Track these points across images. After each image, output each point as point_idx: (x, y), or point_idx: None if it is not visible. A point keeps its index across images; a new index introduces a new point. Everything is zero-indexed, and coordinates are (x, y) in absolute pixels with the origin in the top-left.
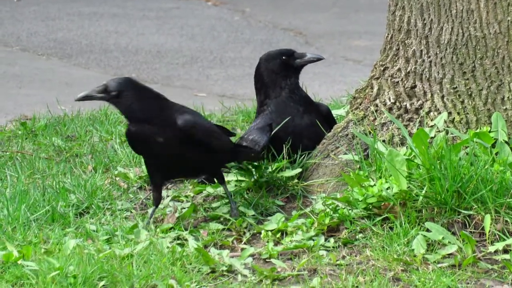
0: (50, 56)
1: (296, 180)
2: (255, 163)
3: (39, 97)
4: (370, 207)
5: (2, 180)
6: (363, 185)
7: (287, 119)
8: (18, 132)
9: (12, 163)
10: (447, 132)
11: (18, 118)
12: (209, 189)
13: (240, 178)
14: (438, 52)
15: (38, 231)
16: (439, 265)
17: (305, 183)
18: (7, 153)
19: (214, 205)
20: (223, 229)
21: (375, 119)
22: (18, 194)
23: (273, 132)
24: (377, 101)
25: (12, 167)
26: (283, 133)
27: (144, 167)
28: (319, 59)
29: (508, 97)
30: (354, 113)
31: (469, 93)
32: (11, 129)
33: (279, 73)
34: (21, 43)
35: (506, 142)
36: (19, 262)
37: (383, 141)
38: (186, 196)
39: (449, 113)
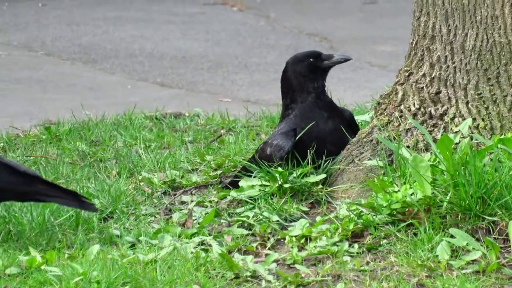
0: (75, 61)
1: (320, 186)
2: (279, 168)
3: (64, 101)
4: (394, 213)
5: None
6: (388, 190)
7: (311, 124)
8: (42, 137)
9: (36, 168)
10: (471, 138)
11: (42, 122)
12: (233, 194)
13: (264, 183)
14: (462, 58)
15: (62, 236)
16: (463, 271)
17: (330, 189)
18: (31, 157)
19: (238, 210)
20: (247, 235)
21: (399, 124)
22: None
23: (297, 137)
24: (402, 107)
25: (37, 171)
26: (307, 138)
27: (168, 172)
28: (347, 60)
29: None
30: (378, 118)
31: (494, 99)
32: (35, 133)
33: (306, 75)
34: (46, 47)
35: None
36: (42, 267)
37: (408, 146)
38: (210, 202)
39: (474, 119)
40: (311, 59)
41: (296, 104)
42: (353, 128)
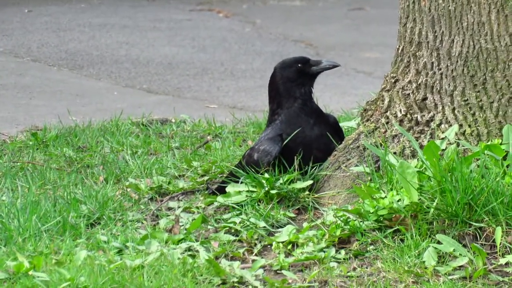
0: (61, 67)
1: (307, 192)
2: (266, 175)
3: (50, 108)
4: (381, 219)
5: (13, 190)
6: (374, 197)
7: (297, 130)
8: (29, 143)
9: (23, 174)
10: (458, 145)
11: (29, 128)
12: (220, 200)
13: (251, 189)
14: (449, 64)
15: (49, 242)
16: (450, 277)
17: (316, 195)
18: (18, 163)
19: (225, 216)
20: (234, 241)
21: (386, 131)
22: (29, 204)
23: (284, 143)
24: (388, 113)
25: (23, 177)
26: (293, 144)
27: (155, 178)
28: (335, 66)
29: None
30: (365, 125)
31: (480, 105)
32: (22, 139)
33: (294, 81)
34: (32, 53)
35: None
36: (30, 273)
37: (394, 153)
38: (197, 208)
39: (460, 126)
40: (299, 65)
41: (282, 110)
42: (339, 134)
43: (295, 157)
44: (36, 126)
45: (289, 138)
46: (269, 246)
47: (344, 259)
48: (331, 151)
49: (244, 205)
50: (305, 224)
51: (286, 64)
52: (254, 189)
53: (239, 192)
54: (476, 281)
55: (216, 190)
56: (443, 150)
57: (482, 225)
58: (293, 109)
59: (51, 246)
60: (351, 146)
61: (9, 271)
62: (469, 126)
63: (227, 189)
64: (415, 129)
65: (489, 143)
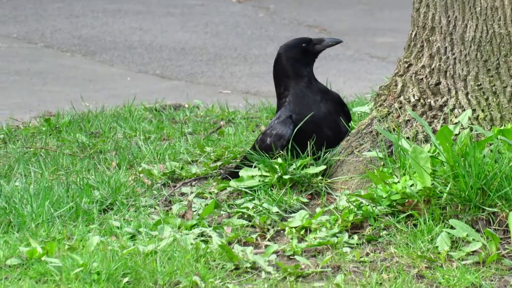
0: (74, 53)
1: (320, 177)
2: (279, 160)
3: (63, 93)
4: (394, 204)
5: (26, 176)
6: (387, 182)
7: (307, 111)
8: (42, 129)
9: (36, 159)
10: (471, 129)
11: (42, 114)
12: (233, 184)
13: (264, 173)
14: (462, 49)
15: (62, 228)
16: (463, 262)
17: (329, 180)
18: (31, 149)
19: (238, 201)
20: (247, 226)
21: (399, 116)
22: (42, 190)
23: (297, 127)
24: (401, 98)
25: (36, 163)
26: (303, 123)
27: (168, 163)
28: (337, 42)
29: None
30: (378, 110)
31: (494, 90)
32: (35, 125)
33: (300, 60)
34: (45, 40)
35: None
36: (42, 258)
37: (407, 138)
38: (210, 193)
39: (474, 110)
40: (303, 44)
41: (289, 91)
42: (344, 109)
43: (308, 142)
44: (49, 112)
45: (303, 121)
46: (282, 231)
47: (357, 244)
48: (339, 128)
49: (257, 190)
50: (318, 209)
51: (290, 45)
52: (267, 174)
53: (252, 177)
54: (490, 266)
55: (229, 175)
56: (456, 135)
57: (495, 210)
58: (299, 88)
59: (64, 232)
60: (364, 131)
61: (22, 257)
62: (482, 110)
63: (240, 174)
64: (428, 114)
65: (502, 127)
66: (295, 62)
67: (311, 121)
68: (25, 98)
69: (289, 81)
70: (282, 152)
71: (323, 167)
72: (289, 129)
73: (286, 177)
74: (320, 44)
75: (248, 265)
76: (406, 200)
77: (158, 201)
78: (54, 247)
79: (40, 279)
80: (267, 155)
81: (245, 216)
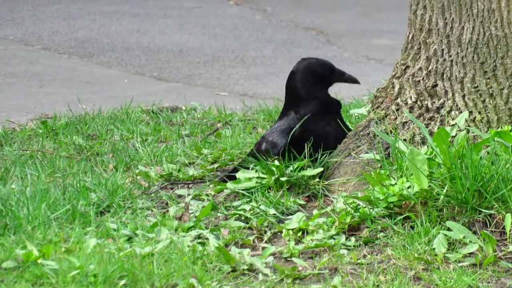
0: (71, 55)
1: (317, 179)
2: (276, 162)
3: (60, 95)
4: (391, 206)
5: (22, 178)
6: (384, 184)
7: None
8: (39, 131)
9: (32, 162)
10: (468, 131)
11: (39, 116)
12: (230, 186)
13: (261, 175)
14: (459, 51)
15: (59, 230)
16: (460, 264)
17: (326, 182)
18: (28, 151)
19: (235, 203)
20: (244, 228)
21: (396, 118)
22: (38, 193)
23: (295, 134)
24: (398, 100)
25: (33, 165)
26: (307, 137)
27: (165, 165)
28: (354, 82)
29: None
30: (375, 112)
31: (490, 92)
32: (32, 127)
33: (318, 83)
34: (42, 42)
35: None
36: (39, 261)
37: (404, 140)
38: (207, 195)
39: (470, 112)
40: (327, 72)
41: (301, 107)
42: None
43: (305, 144)
44: (46, 114)
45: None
46: (279, 234)
47: (354, 246)
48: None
49: (254, 192)
50: (315, 211)
51: (314, 66)
52: (265, 176)
53: (249, 179)
54: (486, 268)
55: (227, 177)
56: (453, 137)
57: (492, 212)
58: (314, 107)
59: (60, 234)
60: (361, 133)
61: (18, 260)
62: (479, 112)
63: (237, 175)
64: (425, 116)
65: (499, 129)
66: (313, 83)
67: (319, 136)
68: (22, 100)
69: (303, 97)
70: (277, 157)
71: (320, 169)
72: (284, 139)
73: (283, 179)
74: (339, 78)
75: (245, 267)
76: (403, 202)
77: (155, 203)
78: (51, 249)
79: (37, 281)
80: (263, 158)
81: (242, 218)
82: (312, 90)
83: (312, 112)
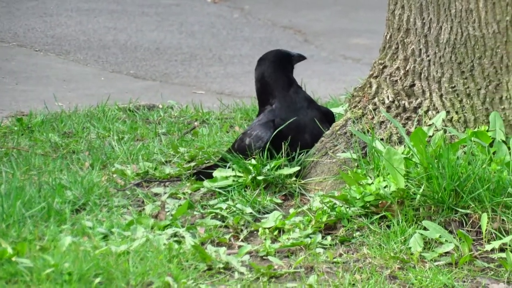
0: (48, 52)
1: (294, 178)
2: (253, 161)
3: (36, 93)
4: (368, 205)
5: None
6: (361, 183)
7: (292, 115)
8: (14, 128)
9: (7, 159)
10: (445, 131)
11: (14, 114)
12: (207, 184)
13: (238, 174)
14: (437, 51)
15: (33, 228)
16: (435, 263)
17: (303, 181)
18: (3, 149)
19: (211, 202)
20: (221, 226)
21: (373, 117)
22: (13, 190)
23: (279, 129)
24: (376, 100)
25: (8, 163)
26: (286, 128)
27: (141, 164)
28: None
29: (506, 97)
30: (352, 111)
31: (468, 92)
32: (7, 125)
33: (286, 68)
34: (18, 39)
35: (503, 141)
36: (13, 259)
37: (381, 139)
38: (184, 193)
39: (448, 112)
40: (292, 56)
41: (276, 97)
42: (331, 122)
43: (283, 142)
44: (21, 111)
45: (284, 125)
46: (255, 232)
47: (330, 245)
48: (321, 136)
49: (231, 191)
50: (291, 210)
51: (280, 55)
52: (241, 175)
53: (226, 177)
54: (462, 267)
55: (203, 174)
56: (430, 136)
57: (468, 211)
58: (289, 93)
59: (35, 232)
60: (338, 132)
61: None
62: (456, 112)
63: (214, 174)
64: (402, 116)
65: (476, 130)
66: (283, 69)
67: (295, 126)
68: None
69: (273, 89)
70: (259, 151)
71: (297, 168)
72: (269, 131)
73: (260, 178)
74: (295, 58)
75: (221, 265)
76: (380, 202)
77: (131, 201)
78: (25, 247)
79: (11, 279)
80: (243, 155)
81: (219, 216)
82: (287, 75)
83: (290, 96)
